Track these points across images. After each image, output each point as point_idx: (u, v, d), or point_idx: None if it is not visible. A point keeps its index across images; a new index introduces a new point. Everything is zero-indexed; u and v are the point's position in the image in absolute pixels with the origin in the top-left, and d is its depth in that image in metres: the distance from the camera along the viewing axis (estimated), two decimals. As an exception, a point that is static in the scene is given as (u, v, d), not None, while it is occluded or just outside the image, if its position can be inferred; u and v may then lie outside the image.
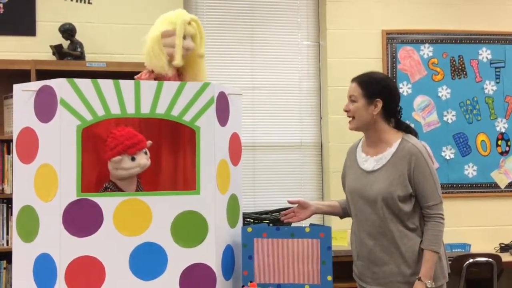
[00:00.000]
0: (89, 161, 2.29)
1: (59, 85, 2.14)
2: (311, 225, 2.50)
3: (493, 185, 4.88)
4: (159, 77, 2.42)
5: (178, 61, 2.40)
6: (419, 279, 2.50)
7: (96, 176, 2.38)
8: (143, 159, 2.29)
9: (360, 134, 2.79)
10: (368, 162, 2.65)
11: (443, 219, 2.55)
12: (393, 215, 2.54)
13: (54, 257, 2.12)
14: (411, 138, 2.63)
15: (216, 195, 2.26)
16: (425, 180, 2.54)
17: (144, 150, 2.30)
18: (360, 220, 2.66)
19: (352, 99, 2.64)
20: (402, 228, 2.55)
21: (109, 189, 2.30)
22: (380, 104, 2.60)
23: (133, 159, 2.27)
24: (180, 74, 2.53)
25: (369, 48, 4.77)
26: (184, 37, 2.43)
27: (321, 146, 4.84)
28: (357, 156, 2.72)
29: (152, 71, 2.45)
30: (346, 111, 2.68)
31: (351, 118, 2.67)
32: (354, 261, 2.73)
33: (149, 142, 2.32)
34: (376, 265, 2.60)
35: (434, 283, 2.51)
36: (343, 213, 2.85)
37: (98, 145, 2.32)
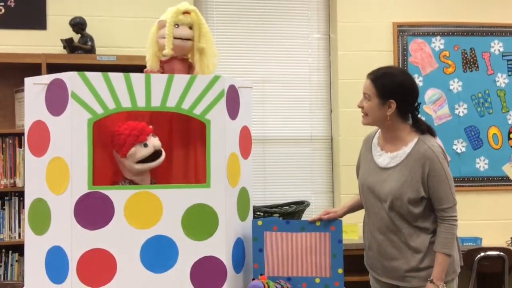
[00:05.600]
0: (100, 154, 2.30)
1: (70, 78, 2.15)
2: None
3: (505, 178, 4.85)
4: (163, 73, 2.43)
5: (167, 50, 2.37)
6: (431, 281, 2.49)
7: (107, 169, 2.39)
8: (155, 141, 2.30)
9: (368, 131, 2.77)
10: (382, 157, 2.62)
11: (456, 221, 2.53)
12: (402, 216, 2.53)
13: (65, 249, 2.13)
14: (427, 140, 2.56)
15: (226, 188, 2.26)
16: (440, 184, 2.50)
17: (151, 134, 2.31)
18: (370, 214, 2.65)
19: (366, 97, 2.59)
20: (412, 227, 2.53)
21: None
22: (394, 105, 2.53)
23: (145, 145, 2.28)
24: (190, 67, 2.52)
25: (380, 40, 4.74)
26: (177, 26, 2.39)
27: (331, 139, 4.83)
28: (372, 148, 2.69)
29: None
30: (360, 107, 2.63)
31: (364, 114, 2.62)
32: (366, 250, 2.73)
33: (150, 126, 2.34)
34: (386, 259, 2.59)
35: (445, 285, 2.50)
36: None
37: (109, 138, 2.32)
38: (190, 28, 2.43)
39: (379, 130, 2.72)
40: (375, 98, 2.55)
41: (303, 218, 2.90)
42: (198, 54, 2.47)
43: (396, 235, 2.55)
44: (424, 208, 2.53)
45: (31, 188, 2.28)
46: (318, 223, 2.48)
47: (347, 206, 2.81)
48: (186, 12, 2.41)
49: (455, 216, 2.53)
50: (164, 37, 2.37)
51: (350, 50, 4.70)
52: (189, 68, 2.51)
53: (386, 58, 4.63)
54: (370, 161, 2.67)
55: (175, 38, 2.38)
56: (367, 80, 2.61)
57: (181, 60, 2.47)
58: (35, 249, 2.24)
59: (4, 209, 3.95)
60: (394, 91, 2.54)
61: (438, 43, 4.80)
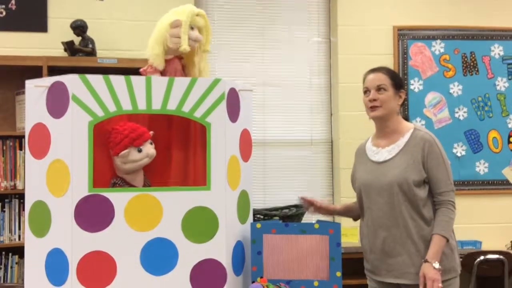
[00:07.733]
0: (101, 156, 2.30)
1: (71, 81, 2.15)
2: (320, 221, 2.50)
3: (505, 182, 4.85)
4: (164, 72, 2.44)
5: (184, 46, 2.39)
6: (426, 260, 2.50)
7: (108, 171, 2.39)
8: (150, 149, 2.32)
9: (368, 133, 2.79)
10: (380, 154, 2.68)
11: (454, 207, 2.57)
12: (408, 201, 2.56)
13: (66, 252, 2.13)
14: (423, 128, 2.70)
15: (226, 191, 2.26)
16: (438, 167, 2.57)
17: (149, 141, 2.32)
18: (373, 212, 2.66)
19: (381, 87, 2.66)
20: (417, 217, 2.56)
21: (117, 185, 2.31)
22: (403, 95, 2.71)
23: (139, 150, 2.29)
24: (184, 67, 2.53)
25: (380, 44, 4.75)
26: (192, 28, 2.43)
27: (332, 142, 4.83)
28: (367, 151, 2.74)
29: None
30: (373, 99, 2.67)
31: (376, 106, 2.67)
32: (366, 256, 2.73)
33: (151, 132, 2.34)
34: (390, 256, 2.61)
35: (440, 266, 2.50)
36: (358, 214, 2.86)
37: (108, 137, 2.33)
38: (199, 30, 2.47)
39: (371, 137, 2.80)
40: (391, 88, 2.67)
41: (303, 221, 2.90)
42: (203, 56, 2.51)
43: (400, 229, 2.57)
44: (428, 194, 2.58)
45: (31, 191, 2.28)
46: (316, 226, 2.49)
47: (343, 204, 2.86)
48: (198, 15, 2.46)
49: (453, 202, 2.58)
50: (177, 37, 2.39)
51: (350, 54, 4.71)
52: (182, 67, 2.53)
53: (386, 62, 4.63)
54: (366, 163, 2.71)
55: (189, 39, 2.41)
56: (377, 73, 2.70)
57: (180, 59, 2.49)
58: (35, 251, 2.24)
59: (4, 211, 3.95)
60: (402, 83, 2.75)
61: (438, 46, 4.81)
